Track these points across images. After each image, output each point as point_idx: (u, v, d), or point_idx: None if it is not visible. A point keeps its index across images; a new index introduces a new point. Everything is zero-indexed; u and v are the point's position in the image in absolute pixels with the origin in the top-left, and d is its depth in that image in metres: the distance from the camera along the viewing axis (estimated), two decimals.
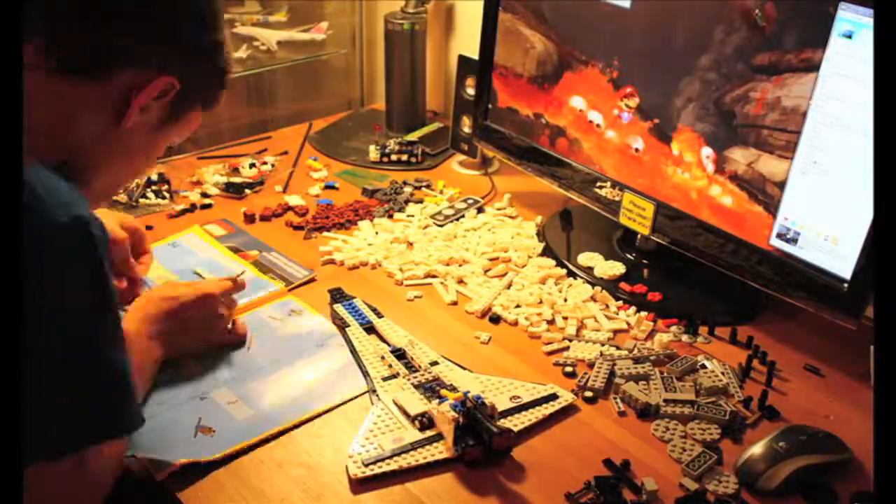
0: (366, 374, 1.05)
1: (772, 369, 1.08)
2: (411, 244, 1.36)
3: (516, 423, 0.97)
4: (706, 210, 1.17)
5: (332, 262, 1.31)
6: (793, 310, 1.14)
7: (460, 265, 1.30)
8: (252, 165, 1.56)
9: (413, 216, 1.44)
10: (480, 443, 0.91)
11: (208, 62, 0.83)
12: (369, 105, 2.02)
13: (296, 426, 0.97)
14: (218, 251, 1.31)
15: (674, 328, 1.17)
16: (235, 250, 1.32)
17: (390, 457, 0.92)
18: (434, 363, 1.07)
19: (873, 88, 0.93)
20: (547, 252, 1.34)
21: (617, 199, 1.27)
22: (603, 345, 1.13)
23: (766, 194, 1.09)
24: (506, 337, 1.15)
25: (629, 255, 1.32)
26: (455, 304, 1.22)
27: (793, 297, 1.09)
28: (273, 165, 1.59)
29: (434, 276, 1.28)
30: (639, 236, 1.30)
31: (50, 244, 0.69)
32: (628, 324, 1.18)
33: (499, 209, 1.48)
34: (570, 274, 1.29)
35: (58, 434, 0.74)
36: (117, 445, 0.83)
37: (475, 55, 1.47)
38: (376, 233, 1.39)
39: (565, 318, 1.18)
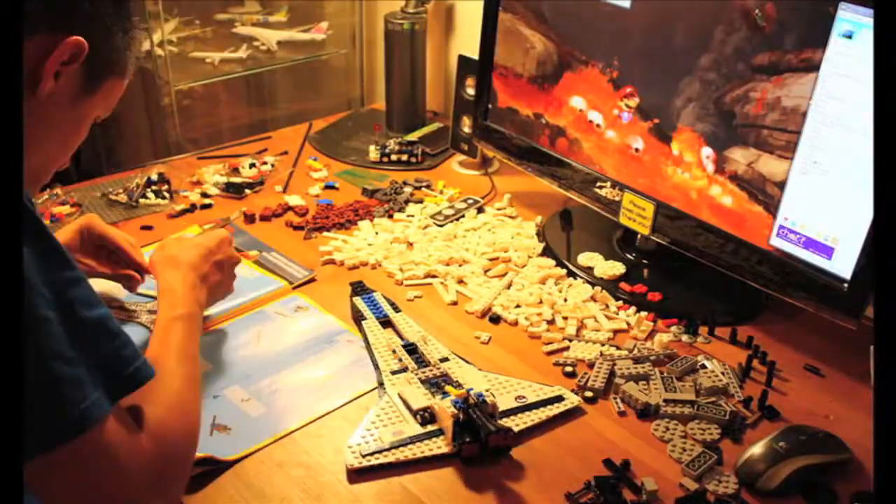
0: (376, 366, 1.06)
1: (772, 369, 1.08)
2: (411, 244, 1.36)
3: (518, 422, 0.97)
4: (706, 210, 1.17)
5: (332, 262, 1.31)
6: (793, 310, 1.14)
7: (460, 265, 1.30)
8: (252, 165, 1.56)
9: (413, 216, 1.44)
10: (477, 440, 0.92)
11: (113, 23, 0.79)
12: (369, 105, 2.02)
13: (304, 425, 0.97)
14: None
15: (674, 328, 1.17)
16: (236, 250, 1.32)
17: (388, 449, 0.92)
18: (444, 359, 1.07)
19: (873, 88, 0.93)
20: (547, 252, 1.34)
21: (617, 199, 1.27)
22: (603, 345, 1.13)
23: (766, 194, 1.09)
24: (506, 337, 1.15)
25: (629, 255, 1.32)
26: (455, 304, 1.22)
27: (793, 297, 1.09)
28: (273, 165, 1.59)
29: (434, 276, 1.28)
30: (639, 236, 1.30)
31: None
32: (628, 324, 1.18)
33: (499, 209, 1.48)
34: (570, 274, 1.29)
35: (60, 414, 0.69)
36: (148, 404, 0.78)
37: (475, 55, 1.47)
38: (376, 233, 1.39)
39: (565, 318, 1.18)
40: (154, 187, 1.47)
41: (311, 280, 1.25)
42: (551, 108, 1.35)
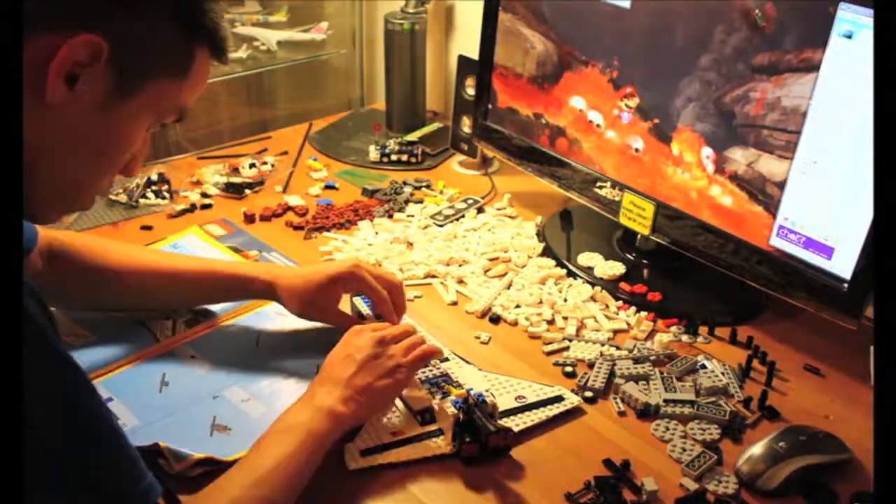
0: None
1: (772, 369, 1.08)
2: (411, 244, 1.36)
3: (518, 422, 0.97)
4: (706, 210, 1.17)
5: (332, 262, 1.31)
6: (793, 310, 1.14)
7: (460, 265, 1.30)
8: (252, 165, 1.56)
9: (413, 216, 1.44)
10: (477, 440, 0.92)
11: (156, 17, 0.69)
12: (369, 105, 2.02)
13: None
14: (219, 251, 1.31)
15: (674, 328, 1.17)
16: (236, 250, 1.32)
17: (388, 449, 0.92)
18: (444, 360, 1.07)
19: (873, 88, 0.93)
20: (547, 252, 1.34)
21: (617, 199, 1.27)
22: (603, 345, 1.13)
23: (765, 194, 1.09)
24: (506, 337, 1.15)
25: (629, 255, 1.32)
26: (455, 304, 1.22)
27: (793, 297, 1.09)
28: (273, 165, 1.59)
29: (434, 277, 1.28)
30: (639, 236, 1.30)
31: None
32: (628, 324, 1.18)
33: (499, 209, 1.48)
34: (570, 274, 1.29)
35: None
36: None
37: (475, 55, 1.47)
38: (376, 233, 1.39)
39: (565, 318, 1.18)
40: (154, 187, 1.47)
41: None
42: (551, 108, 1.35)
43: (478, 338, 1.14)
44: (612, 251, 1.34)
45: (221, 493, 0.79)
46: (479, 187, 1.56)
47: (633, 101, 1.22)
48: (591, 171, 1.31)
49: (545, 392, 1.02)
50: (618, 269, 1.28)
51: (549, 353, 1.12)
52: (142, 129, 0.73)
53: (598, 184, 1.30)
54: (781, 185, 1.07)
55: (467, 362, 1.08)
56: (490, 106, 1.46)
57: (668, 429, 0.99)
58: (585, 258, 1.31)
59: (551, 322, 1.18)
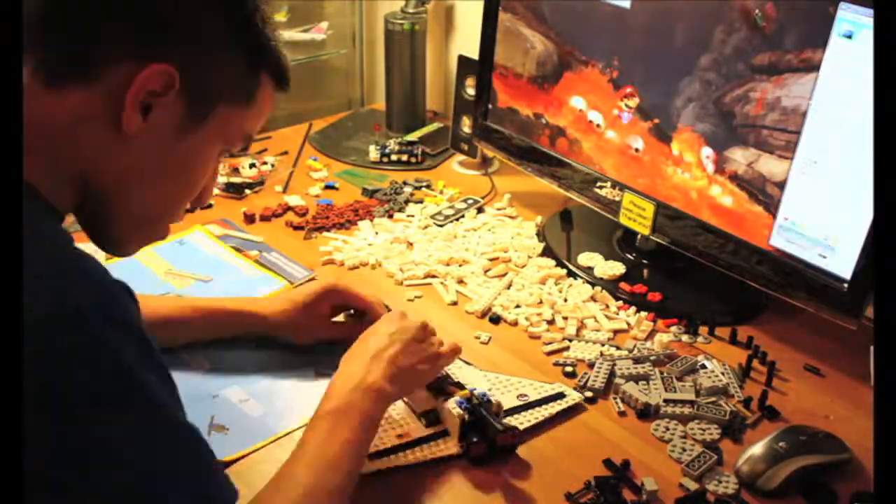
0: None
1: (772, 369, 1.08)
2: (411, 244, 1.36)
3: (522, 420, 0.97)
4: (706, 210, 1.17)
5: (332, 262, 1.31)
6: (793, 310, 1.14)
7: (460, 265, 1.30)
8: (252, 165, 1.56)
9: (413, 216, 1.44)
10: (485, 440, 0.92)
11: (223, 45, 0.71)
12: (369, 105, 2.02)
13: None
14: (224, 249, 1.31)
15: (674, 328, 1.17)
16: (237, 250, 1.32)
17: (395, 452, 0.92)
18: None
19: (873, 88, 0.93)
20: (547, 252, 1.34)
21: (617, 199, 1.27)
22: (603, 345, 1.13)
23: (765, 194, 1.09)
24: (506, 337, 1.15)
25: (629, 255, 1.32)
26: (455, 304, 1.22)
27: (793, 297, 1.09)
28: (273, 165, 1.59)
29: (434, 277, 1.28)
30: (639, 236, 1.30)
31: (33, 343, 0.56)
32: (628, 324, 1.18)
33: (499, 209, 1.48)
34: (570, 274, 1.29)
35: None
36: None
37: (475, 55, 1.47)
38: (376, 233, 1.39)
39: (565, 318, 1.18)
40: None
41: (312, 280, 1.25)
42: (551, 108, 1.35)
43: (478, 338, 1.14)
44: (613, 251, 1.34)
45: (291, 480, 0.79)
46: (479, 187, 1.56)
47: (633, 101, 1.22)
48: (591, 171, 1.31)
49: (546, 389, 1.02)
50: (618, 269, 1.28)
51: (550, 353, 1.12)
52: (212, 157, 0.75)
53: (599, 184, 1.30)
54: (781, 185, 1.07)
55: (467, 363, 1.08)
56: (490, 106, 1.46)
57: (668, 429, 0.99)
58: (585, 258, 1.31)
59: (551, 322, 1.18)
